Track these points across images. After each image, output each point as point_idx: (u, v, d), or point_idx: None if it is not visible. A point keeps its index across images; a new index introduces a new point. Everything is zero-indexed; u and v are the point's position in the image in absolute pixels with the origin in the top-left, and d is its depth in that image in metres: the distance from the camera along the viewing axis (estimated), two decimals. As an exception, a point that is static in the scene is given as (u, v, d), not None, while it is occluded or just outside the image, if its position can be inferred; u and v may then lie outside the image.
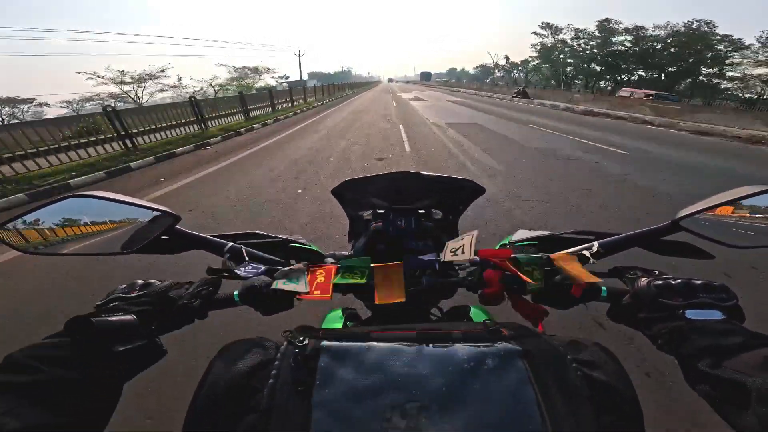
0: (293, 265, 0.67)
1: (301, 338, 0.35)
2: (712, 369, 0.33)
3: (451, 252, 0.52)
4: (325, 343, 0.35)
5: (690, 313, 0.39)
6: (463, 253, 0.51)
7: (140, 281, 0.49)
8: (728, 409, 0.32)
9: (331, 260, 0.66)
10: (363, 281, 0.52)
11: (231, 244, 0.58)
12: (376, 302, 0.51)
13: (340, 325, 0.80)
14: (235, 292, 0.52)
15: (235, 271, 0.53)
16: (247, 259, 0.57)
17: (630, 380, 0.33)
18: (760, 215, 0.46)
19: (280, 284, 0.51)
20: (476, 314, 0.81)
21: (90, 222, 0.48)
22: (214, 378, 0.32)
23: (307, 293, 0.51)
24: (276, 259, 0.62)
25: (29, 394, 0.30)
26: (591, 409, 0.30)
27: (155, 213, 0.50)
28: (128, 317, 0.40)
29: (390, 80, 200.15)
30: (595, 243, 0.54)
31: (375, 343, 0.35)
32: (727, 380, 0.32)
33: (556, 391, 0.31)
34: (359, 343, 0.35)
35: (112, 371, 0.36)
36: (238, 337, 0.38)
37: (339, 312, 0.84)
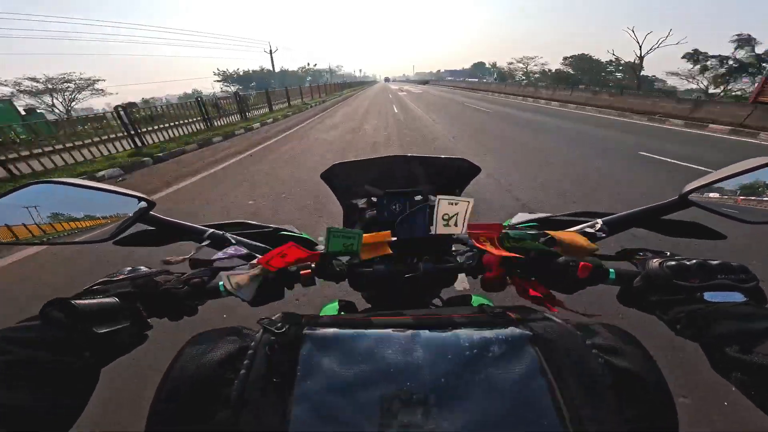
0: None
1: (279, 325, 0.32)
2: (743, 355, 0.31)
3: (443, 221, 0.49)
4: (307, 330, 0.32)
5: (709, 296, 0.37)
6: (455, 225, 0.48)
7: (128, 268, 0.47)
8: (765, 396, 0.29)
9: (322, 248, 0.64)
10: (355, 250, 0.49)
11: (211, 230, 0.54)
12: (362, 258, 0.49)
13: None
14: (221, 283, 0.49)
15: (217, 255, 0.50)
16: (229, 245, 0.53)
17: (657, 366, 0.31)
18: (771, 188, 0.44)
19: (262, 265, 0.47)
20: (478, 303, 0.79)
21: (57, 210, 0.45)
22: (179, 370, 0.29)
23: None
24: (264, 246, 0.59)
25: (3, 376, 0.27)
26: (615, 398, 0.28)
27: (127, 198, 0.47)
28: (110, 299, 0.38)
29: (386, 80, 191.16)
30: (599, 221, 0.52)
31: (365, 330, 0.32)
32: (762, 366, 0.29)
33: (573, 379, 0.29)
34: (347, 330, 0.32)
35: (90, 354, 0.34)
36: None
37: (335, 304, 0.81)
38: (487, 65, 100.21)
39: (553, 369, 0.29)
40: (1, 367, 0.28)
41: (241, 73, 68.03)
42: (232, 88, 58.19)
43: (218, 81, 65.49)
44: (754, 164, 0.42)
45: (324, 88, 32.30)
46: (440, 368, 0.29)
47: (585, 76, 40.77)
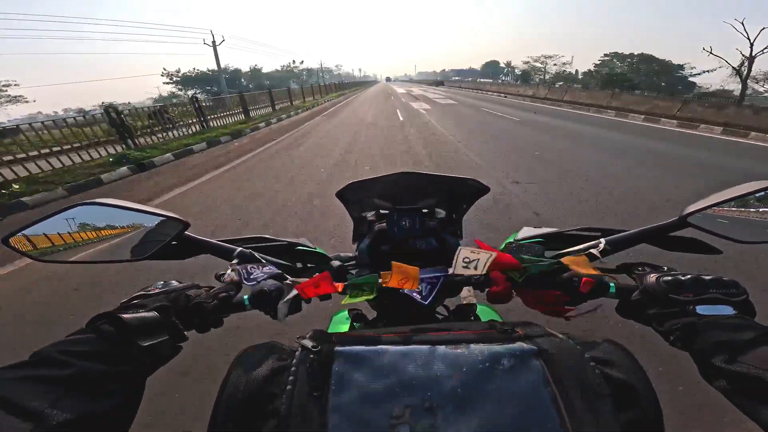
0: (299, 267, 0.68)
1: (315, 344, 0.36)
2: (727, 364, 0.33)
3: (463, 264, 0.52)
4: (338, 348, 0.35)
5: (701, 309, 0.40)
6: (476, 268, 0.51)
7: (161, 282, 0.51)
8: (748, 403, 0.32)
9: (337, 262, 0.67)
10: (372, 296, 0.52)
11: (240, 249, 0.58)
12: (389, 285, 0.51)
13: (347, 327, 0.81)
14: (245, 297, 0.53)
15: (248, 276, 0.54)
16: (256, 263, 0.57)
17: (648, 377, 0.33)
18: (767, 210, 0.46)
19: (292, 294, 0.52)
20: (483, 312, 0.81)
21: (101, 229, 0.49)
22: (233, 385, 0.33)
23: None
24: (283, 262, 0.63)
25: (69, 387, 0.30)
26: (611, 408, 0.30)
27: (165, 219, 0.51)
28: (150, 313, 0.41)
29: (388, 79, 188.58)
30: (602, 240, 0.54)
31: (388, 347, 0.36)
32: (744, 375, 0.32)
33: (575, 390, 0.31)
34: (372, 347, 0.36)
35: (137, 365, 0.37)
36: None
37: (345, 313, 0.85)
38: (501, 64, 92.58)
39: (557, 380, 0.32)
40: (67, 380, 0.30)
41: (198, 73, 50.28)
42: (189, 92, 42.29)
43: (168, 83, 48.96)
44: (751, 188, 0.45)
45: (281, 95, 17.12)
46: (457, 380, 0.32)
47: (646, 79, 33.48)
